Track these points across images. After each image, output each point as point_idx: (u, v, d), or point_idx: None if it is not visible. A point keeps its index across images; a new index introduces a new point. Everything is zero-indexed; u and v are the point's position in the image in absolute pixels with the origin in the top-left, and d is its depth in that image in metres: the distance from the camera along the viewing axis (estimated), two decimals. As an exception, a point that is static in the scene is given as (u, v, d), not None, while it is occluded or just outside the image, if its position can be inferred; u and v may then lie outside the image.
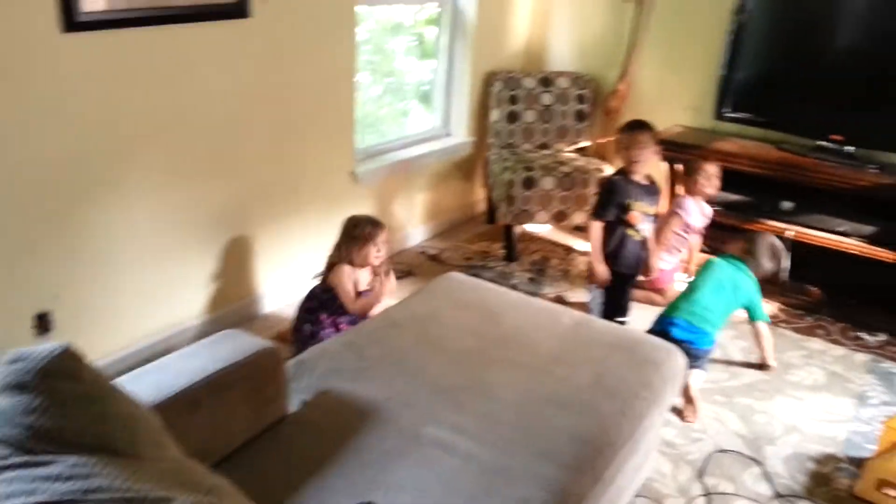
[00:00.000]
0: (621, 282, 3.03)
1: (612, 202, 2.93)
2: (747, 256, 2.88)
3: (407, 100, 4.15)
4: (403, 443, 1.61)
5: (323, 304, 2.73)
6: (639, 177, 2.96)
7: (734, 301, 2.77)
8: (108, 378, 1.20)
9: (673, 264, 3.49)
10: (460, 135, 4.10)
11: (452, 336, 2.04)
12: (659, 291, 3.39)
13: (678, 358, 2.11)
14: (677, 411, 2.58)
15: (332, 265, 2.74)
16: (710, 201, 3.47)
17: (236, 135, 2.80)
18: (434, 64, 4.02)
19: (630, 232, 2.96)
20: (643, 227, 2.99)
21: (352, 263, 2.71)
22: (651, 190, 3.02)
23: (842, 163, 3.35)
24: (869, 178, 3.23)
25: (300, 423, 1.72)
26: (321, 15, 2.98)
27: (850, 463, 2.39)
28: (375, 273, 2.78)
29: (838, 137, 3.42)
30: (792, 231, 3.43)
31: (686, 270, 3.57)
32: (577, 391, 1.86)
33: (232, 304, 3.01)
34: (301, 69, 2.97)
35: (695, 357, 2.59)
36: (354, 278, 2.73)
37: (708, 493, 2.22)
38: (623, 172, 2.98)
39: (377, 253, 2.73)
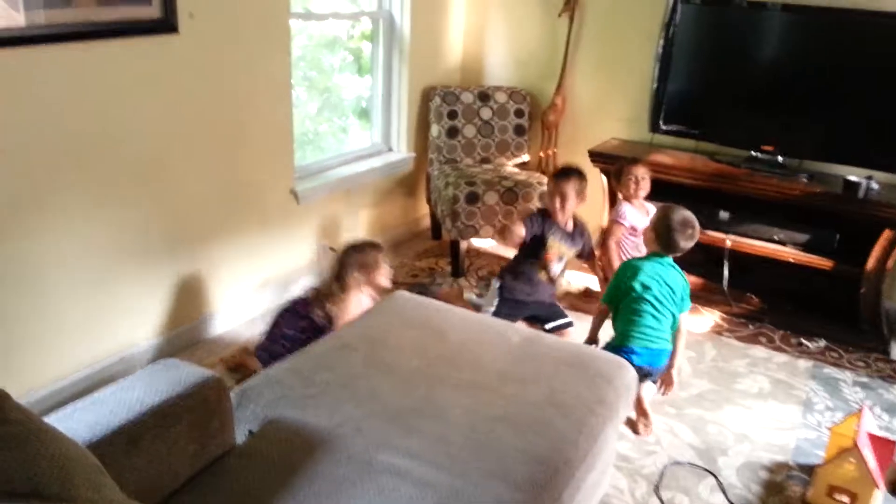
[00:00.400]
0: (514, 306, 3.12)
1: (538, 222, 3.03)
2: (665, 248, 2.68)
3: (346, 116, 4.08)
4: (356, 471, 1.54)
5: (314, 333, 2.56)
6: (561, 222, 3.09)
7: (679, 307, 2.70)
8: (37, 416, 1.11)
9: None
10: (401, 150, 4.06)
11: (401, 357, 1.98)
12: None
13: (629, 372, 2.10)
14: (631, 424, 2.58)
15: (330, 296, 2.73)
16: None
17: (170, 154, 2.69)
18: (371, 80, 3.97)
19: (540, 270, 3.10)
20: (555, 268, 3.12)
21: (369, 286, 2.78)
22: (572, 236, 3.15)
23: (774, 173, 3.44)
24: (800, 187, 3.32)
25: (247, 456, 1.63)
26: (253, 29, 2.90)
27: (800, 470, 2.42)
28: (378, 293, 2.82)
29: (769, 148, 3.52)
30: (729, 241, 3.50)
31: None
32: (530, 409, 1.82)
33: (179, 328, 2.89)
34: (234, 85, 2.88)
35: (648, 373, 2.60)
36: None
37: (663, 506, 2.22)
38: (546, 213, 3.11)
39: (385, 274, 2.83)
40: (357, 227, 3.82)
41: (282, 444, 1.63)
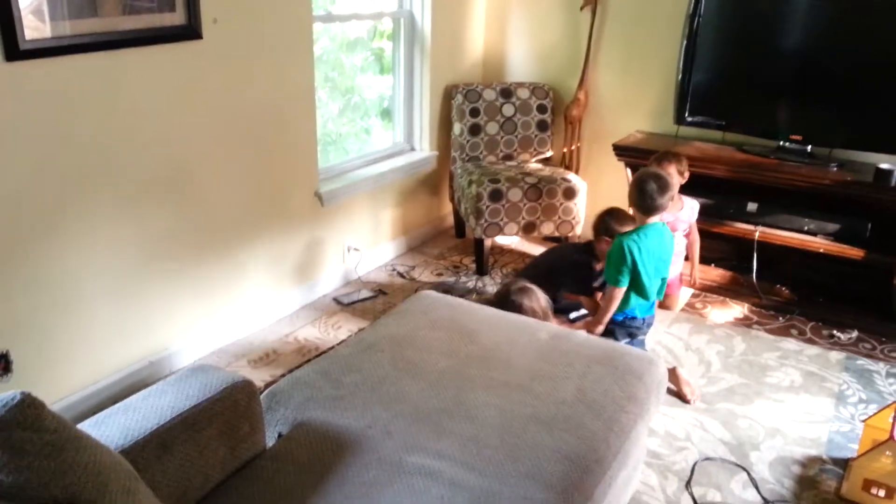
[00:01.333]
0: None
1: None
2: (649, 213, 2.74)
3: (368, 116, 4.09)
4: (387, 473, 1.55)
5: None
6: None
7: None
8: (72, 424, 1.13)
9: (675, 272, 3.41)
10: (424, 149, 4.06)
11: (429, 358, 1.98)
12: (668, 299, 3.35)
13: (660, 368, 2.08)
14: (677, 395, 2.69)
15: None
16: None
17: (196, 159, 2.72)
18: (393, 79, 3.98)
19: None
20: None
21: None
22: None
23: (803, 162, 3.39)
24: (830, 176, 3.27)
25: (278, 458, 1.64)
26: (276, 33, 2.92)
27: (834, 464, 2.39)
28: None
29: (798, 137, 3.46)
30: (758, 232, 3.46)
31: (690, 281, 3.54)
32: (560, 408, 1.81)
33: (207, 331, 2.92)
34: (259, 89, 2.90)
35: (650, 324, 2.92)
36: None
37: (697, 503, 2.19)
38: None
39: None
40: (381, 226, 3.83)
41: (311, 446, 1.64)
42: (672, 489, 2.25)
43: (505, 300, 2.74)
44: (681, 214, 3.33)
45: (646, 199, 2.69)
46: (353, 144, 4.02)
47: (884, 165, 3.17)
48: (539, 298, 2.81)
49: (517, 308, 2.67)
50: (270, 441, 1.72)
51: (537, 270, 3.22)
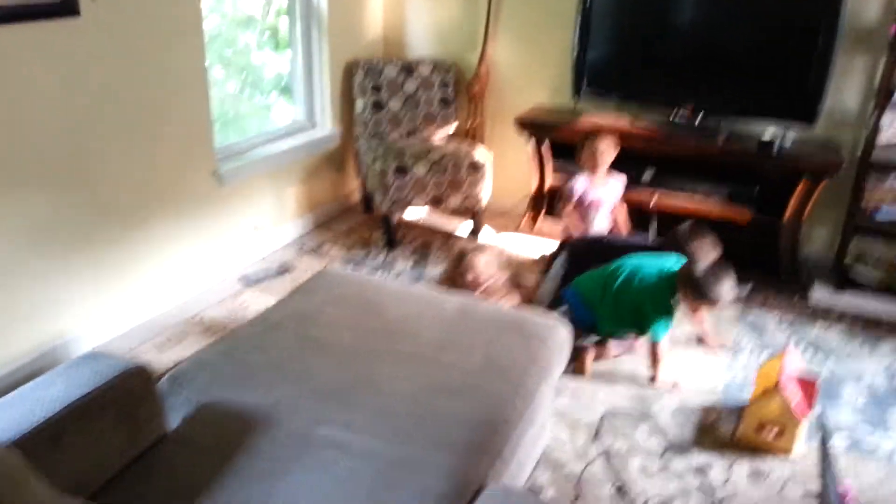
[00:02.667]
0: None
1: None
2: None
3: (267, 94, 4.00)
4: (295, 448, 1.53)
5: None
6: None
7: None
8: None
9: None
10: (326, 126, 3.99)
11: (335, 333, 1.97)
12: None
13: (563, 331, 2.14)
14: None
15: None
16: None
17: (82, 140, 2.58)
18: (290, 56, 3.89)
19: None
20: None
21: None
22: None
23: (693, 131, 3.53)
24: (719, 144, 3.42)
25: (181, 442, 1.60)
26: (160, 9, 2.79)
27: (730, 410, 2.53)
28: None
29: (689, 108, 3.60)
30: (655, 199, 3.59)
31: None
32: (467, 375, 1.84)
33: (104, 317, 2.79)
34: (145, 67, 2.77)
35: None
36: None
37: (605, 453, 2.28)
38: None
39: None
40: (286, 204, 3.76)
41: (216, 427, 1.60)
42: (581, 441, 2.34)
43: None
44: (607, 190, 3.39)
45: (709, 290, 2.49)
46: (253, 123, 3.91)
47: (768, 133, 3.35)
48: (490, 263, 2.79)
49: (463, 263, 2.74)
50: (173, 426, 1.67)
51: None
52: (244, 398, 1.68)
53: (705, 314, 2.85)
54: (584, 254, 3.06)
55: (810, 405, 2.31)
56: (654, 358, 2.66)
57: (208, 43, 3.12)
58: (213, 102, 3.18)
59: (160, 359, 2.69)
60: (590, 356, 2.71)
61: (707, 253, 2.74)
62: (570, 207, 3.34)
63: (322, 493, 1.43)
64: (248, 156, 3.49)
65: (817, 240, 3.74)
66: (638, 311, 2.60)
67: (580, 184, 3.33)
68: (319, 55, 3.87)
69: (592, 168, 3.31)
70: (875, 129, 3.18)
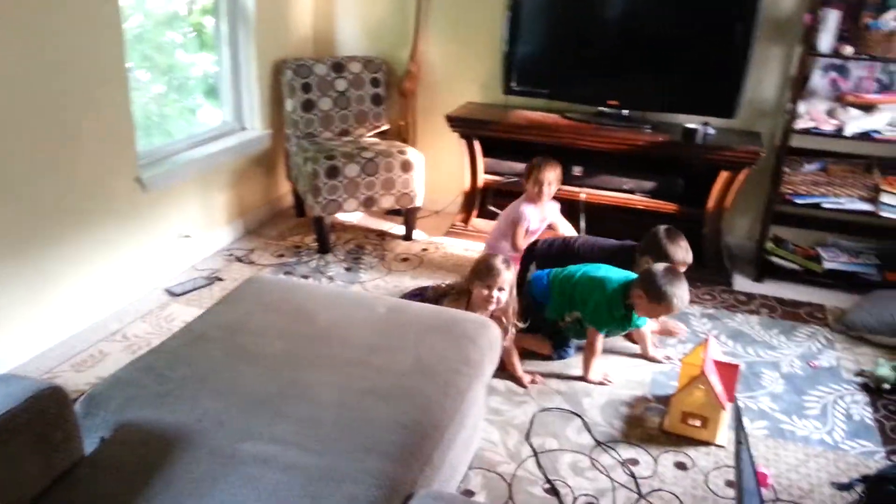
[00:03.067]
0: None
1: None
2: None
3: (193, 96, 3.90)
4: (218, 465, 1.50)
5: None
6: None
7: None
8: None
9: None
10: (256, 128, 3.92)
11: (263, 342, 1.94)
12: None
13: (493, 330, 2.16)
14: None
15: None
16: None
17: (-10, 150, 2.47)
18: (217, 56, 3.80)
19: None
20: None
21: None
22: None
23: (620, 126, 3.61)
24: (644, 137, 3.50)
25: (99, 464, 1.55)
26: (74, 8, 2.68)
27: (657, 402, 2.60)
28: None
29: (614, 102, 3.68)
30: (584, 193, 3.65)
31: None
32: (398, 378, 1.84)
33: (22, 334, 2.68)
34: (60, 70, 2.66)
35: None
36: None
37: (536, 453, 2.31)
38: None
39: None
40: (215, 210, 3.68)
41: (136, 447, 1.56)
42: (513, 442, 2.36)
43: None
44: (548, 214, 3.45)
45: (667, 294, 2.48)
46: (179, 126, 3.82)
47: (690, 125, 3.44)
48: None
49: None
50: (91, 448, 1.62)
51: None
52: (166, 416, 1.64)
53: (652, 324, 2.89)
54: (553, 257, 3.06)
55: (732, 393, 2.40)
56: (589, 351, 2.70)
57: (131, 43, 3.03)
58: (136, 105, 3.09)
59: (78, 379, 2.59)
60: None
61: (683, 255, 2.78)
62: (523, 237, 3.35)
63: (246, 511, 1.41)
64: (174, 160, 3.40)
65: (741, 228, 3.87)
66: (586, 300, 2.67)
67: (531, 213, 3.35)
68: (247, 54, 3.80)
69: (538, 198, 3.34)
70: (792, 117, 3.31)
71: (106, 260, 3.01)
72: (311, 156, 3.60)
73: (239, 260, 3.60)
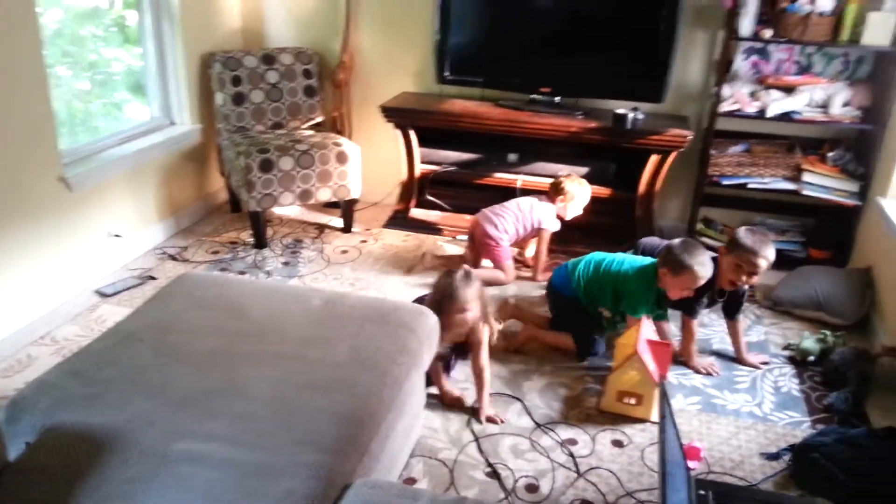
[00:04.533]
0: None
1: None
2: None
3: (118, 91, 3.78)
4: (150, 466, 1.47)
5: None
6: None
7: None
8: None
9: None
10: (185, 123, 3.83)
11: (195, 340, 1.90)
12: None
13: (431, 318, 2.17)
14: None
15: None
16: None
17: None
18: (141, 50, 3.69)
19: None
20: None
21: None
22: None
23: (552, 112, 3.65)
24: (576, 123, 3.56)
25: (24, 471, 1.50)
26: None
27: (595, 381, 2.65)
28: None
29: (547, 90, 3.72)
30: (520, 180, 3.69)
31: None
32: (334, 370, 1.83)
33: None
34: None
35: None
36: None
37: (477, 438, 2.33)
38: None
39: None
40: (146, 208, 3.59)
41: (63, 451, 1.52)
42: (455, 428, 2.38)
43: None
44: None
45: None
46: (105, 123, 3.70)
47: (620, 111, 3.51)
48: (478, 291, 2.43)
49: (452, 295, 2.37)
50: (17, 454, 1.57)
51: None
52: (93, 418, 1.60)
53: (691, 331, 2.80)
54: None
55: (665, 371, 2.46)
56: (660, 333, 2.76)
57: (50, 39, 2.91)
58: (59, 102, 2.98)
59: (6, 385, 2.50)
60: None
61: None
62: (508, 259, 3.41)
63: (179, 510, 1.39)
64: (101, 158, 3.29)
65: (672, 211, 3.97)
66: (618, 290, 2.73)
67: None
68: (173, 48, 3.70)
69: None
70: (717, 101, 3.40)
71: (32, 262, 2.90)
72: (243, 150, 3.53)
73: (172, 258, 3.52)
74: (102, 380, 1.72)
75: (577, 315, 2.85)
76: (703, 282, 2.58)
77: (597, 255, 2.88)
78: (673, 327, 2.87)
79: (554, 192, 3.40)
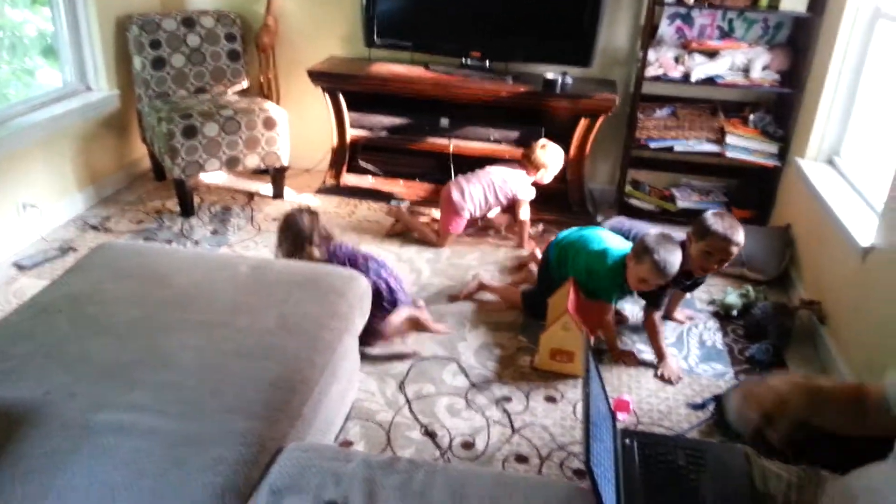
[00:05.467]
0: None
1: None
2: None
3: (29, 56, 3.58)
4: (71, 438, 1.43)
5: None
6: None
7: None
8: None
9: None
10: (102, 88, 3.66)
11: (115, 311, 1.84)
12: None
13: (361, 283, 2.15)
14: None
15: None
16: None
17: None
18: (52, 13, 3.49)
19: None
20: None
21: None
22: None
23: (483, 77, 3.64)
24: (507, 88, 3.55)
25: (-64, 451, 1.43)
26: None
27: (529, 341, 2.69)
28: None
29: (477, 54, 3.70)
30: (452, 145, 3.68)
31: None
32: (262, 337, 1.81)
33: None
34: None
35: None
36: None
37: (409, 402, 2.34)
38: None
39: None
40: (63, 178, 3.43)
41: (-24, 428, 1.46)
42: (391, 391, 2.39)
43: None
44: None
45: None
46: (16, 89, 3.51)
47: (549, 75, 3.52)
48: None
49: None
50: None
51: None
52: (10, 392, 1.54)
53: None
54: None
55: (594, 330, 2.52)
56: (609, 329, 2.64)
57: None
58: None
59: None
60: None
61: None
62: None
63: (103, 482, 1.35)
64: (11, 125, 3.12)
65: (602, 173, 4.04)
66: (590, 267, 2.59)
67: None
68: (85, 10, 3.51)
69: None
70: (643, 65, 3.45)
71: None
72: (164, 116, 3.40)
73: (94, 228, 3.39)
74: (18, 354, 1.65)
75: (542, 277, 2.84)
76: (662, 282, 2.46)
77: (587, 228, 2.78)
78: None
79: (529, 163, 3.36)
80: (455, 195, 3.30)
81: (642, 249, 2.44)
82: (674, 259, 2.42)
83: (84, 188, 3.58)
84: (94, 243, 3.15)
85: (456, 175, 3.46)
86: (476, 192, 3.31)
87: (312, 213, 2.66)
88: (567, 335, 2.47)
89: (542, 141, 3.42)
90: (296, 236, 2.59)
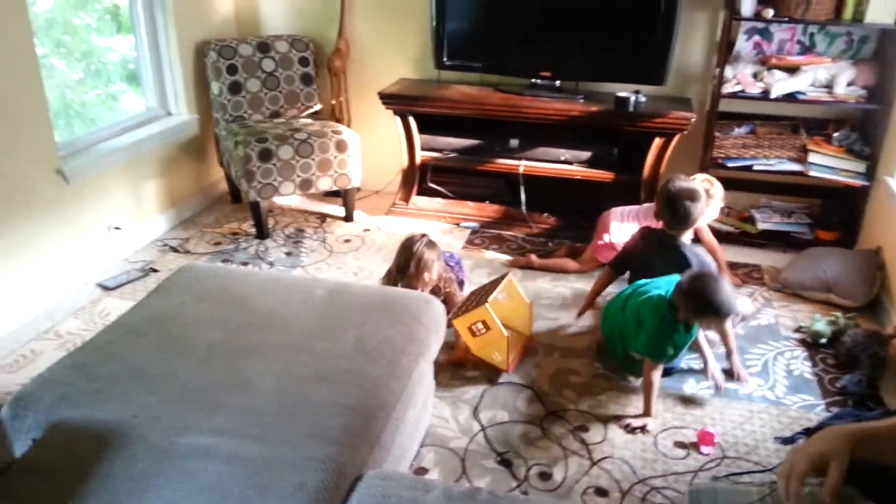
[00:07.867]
0: None
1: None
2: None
3: (114, 82, 3.73)
4: (156, 461, 1.44)
5: None
6: None
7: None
8: None
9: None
10: (182, 113, 3.78)
11: (197, 333, 1.87)
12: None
13: (437, 307, 2.13)
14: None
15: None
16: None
17: None
18: (135, 40, 3.63)
19: None
20: None
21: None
22: None
23: (553, 97, 3.60)
24: (578, 107, 3.51)
25: (30, 469, 1.47)
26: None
27: (604, 368, 2.62)
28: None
29: (547, 74, 3.67)
30: (522, 166, 3.65)
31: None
32: (340, 361, 1.80)
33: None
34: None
35: None
36: None
37: (484, 428, 2.30)
38: None
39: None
40: (145, 200, 3.54)
41: (69, 448, 1.49)
42: (464, 417, 2.35)
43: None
44: None
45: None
46: (101, 114, 3.65)
47: (621, 94, 3.46)
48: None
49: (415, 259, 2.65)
50: (23, 451, 1.54)
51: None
52: (98, 414, 1.57)
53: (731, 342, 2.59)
54: None
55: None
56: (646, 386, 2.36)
57: (41, 28, 2.85)
58: (53, 94, 2.92)
59: (11, 380, 2.47)
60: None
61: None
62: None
63: (188, 506, 1.35)
64: (97, 150, 3.25)
65: (677, 194, 3.92)
66: (639, 321, 2.41)
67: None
68: (166, 37, 3.64)
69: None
70: (719, 82, 3.36)
71: (33, 257, 2.87)
72: (241, 139, 3.49)
73: (174, 250, 3.48)
74: (106, 374, 1.69)
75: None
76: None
77: (640, 282, 2.54)
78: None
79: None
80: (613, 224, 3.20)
81: (695, 301, 2.25)
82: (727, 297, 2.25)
83: (164, 210, 3.69)
84: (175, 265, 3.26)
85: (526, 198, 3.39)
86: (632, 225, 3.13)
87: (433, 245, 2.71)
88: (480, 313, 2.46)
89: (706, 177, 3.12)
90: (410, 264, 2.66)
